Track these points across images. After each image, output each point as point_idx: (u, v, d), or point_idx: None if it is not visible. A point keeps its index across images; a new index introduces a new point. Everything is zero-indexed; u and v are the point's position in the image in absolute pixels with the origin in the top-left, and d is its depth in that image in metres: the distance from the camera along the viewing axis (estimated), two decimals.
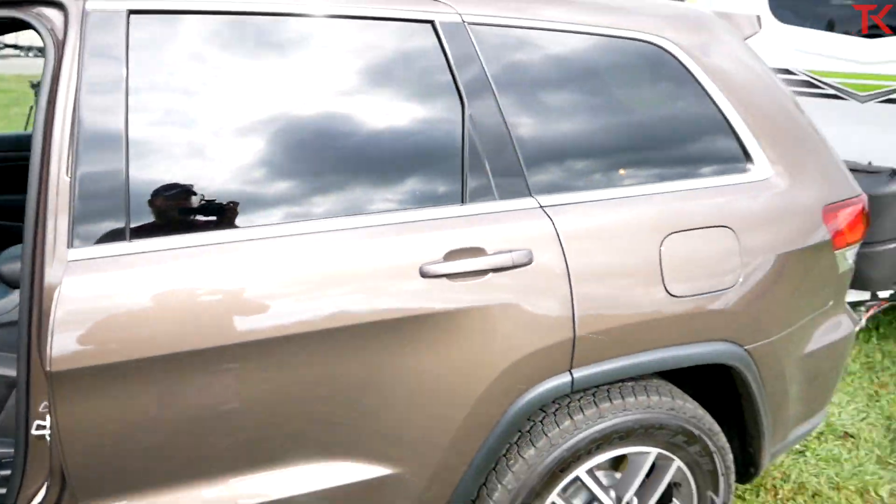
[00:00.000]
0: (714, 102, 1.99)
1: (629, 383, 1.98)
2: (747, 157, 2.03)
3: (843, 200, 2.15)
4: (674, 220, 1.88)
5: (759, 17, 2.25)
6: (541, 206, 1.78)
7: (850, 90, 3.53)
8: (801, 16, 3.68)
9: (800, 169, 2.07)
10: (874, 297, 3.55)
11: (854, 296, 3.53)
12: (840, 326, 2.31)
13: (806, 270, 2.10)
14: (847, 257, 2.23)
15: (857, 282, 3.41)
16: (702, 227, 1.90)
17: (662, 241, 1.84)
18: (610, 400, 1.92)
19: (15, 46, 25.11)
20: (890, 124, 3.46)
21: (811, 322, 2.18)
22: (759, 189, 2.01)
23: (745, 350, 2.00)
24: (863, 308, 3.67)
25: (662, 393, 2.00)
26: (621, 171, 1.93)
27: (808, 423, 2.39)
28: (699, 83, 1.98)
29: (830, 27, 3.57)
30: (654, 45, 1.95)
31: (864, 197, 2.26)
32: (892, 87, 3.37)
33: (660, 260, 1.84)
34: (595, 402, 1.91)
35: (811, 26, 3.63)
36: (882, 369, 3.75)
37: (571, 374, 1.80)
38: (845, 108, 3.58)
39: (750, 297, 1.97)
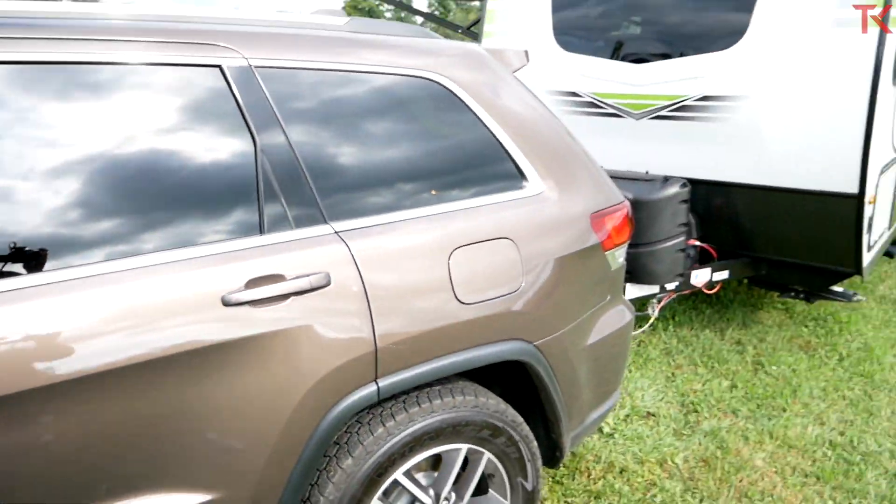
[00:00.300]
0: (488, 129, 2.24)
1: (436, 387, 2.15)
2: (522, 175, 2.29)
3: (608, 208, 2.48)
4: (459, 236, 2.09)
5: (526, 52, 2.55)
6: (336, 232, 1.92)
7: (627, 109, 4.00)
8: (581, 45, 4.14)
9: (568, 182, 2.37)
10: (662, 289, 4.02)
11: (646, 290, 3.99)
12: (620, 317, 2.64)
13: (582, 271, 2.39)
14: (617, 257, 2.56)
15: (646, 277, 3.87)
16: (485, 240, 2.13)
17: (450, 255, 2.05)
18: (418, 404, 2.09)
19: None
20: (661, 137, 3.97)
21: (592, 315, 2.48)
22: (533, 202, 2.28)
23: (535, 346, 2.25)
24: (655, 300, 4.15)
25: (467, 392, 2.19)
26: (433, 192, 2.13)
27: (603, 405, 2.69)
28: (474, 113, 2.22)
29: (606, 54, 4.04)
30: (431, 80, 2.17)
31: (627, 203, 2.60)
32: (660, 105, 3.87)
33: (449, 272, 2.04)
34: (405, 408, 2.07)
35: (590, 54, 4.09)
36: (678, 353, 4.24)
37: (377, 383, 1.95)
38: (624, 125, 4.05)
39: (534, 299, 2.22)
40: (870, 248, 3.92)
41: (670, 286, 4.02)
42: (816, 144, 3.55)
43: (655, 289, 3.99)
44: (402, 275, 1.98)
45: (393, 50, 2.15)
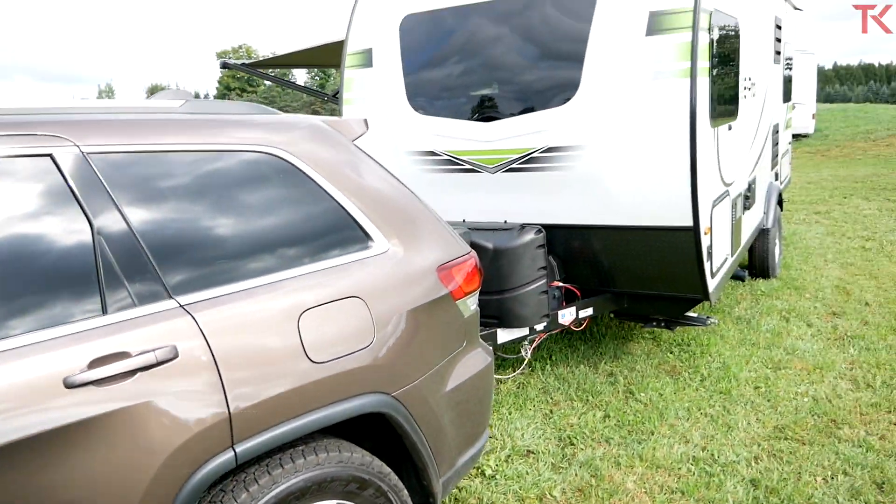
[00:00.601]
0: (330, 196, 2.37)
1: (299, 446, 2.21)
2: (367, 236, 2.43)
3: (454, 259, 2.65)
4: (307, 299, 2.19)
5: (365, 120, 2.72)
6: (181, 306, 1.98)
7: (482, 164, 4.26)
8: (433, 107, 4.40)
9: (413, 239, 2.53)
10: (532, 331, 4.23)
11: (517, 333, 4.19)
12: (478, 361, 2.79)
13: (434, 321, 2.54)
14: (469, 304, 2.72)
15: (514, 321, 4.07)
16: (334, 301, 2.24)
17: (299, 318, 2.14)
18: (281, 465, 2.13)
19: None
20: (515, 188, 4.24)
21: (449, 362, 2.62)
22: (380, 261, 2.42)
23: (393, 397, 2.35)
24: (527, 342, 4.36)
25: (330, 449, 2.26)
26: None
27: (472, 448, 2.81)
28: (315, 182, 2.35)
29: (457, 115, 4.30)
30: (270, 154, 2.29)
31: (474, 253, 2.79)
32: (511, 159, 4.15)
33: (299, 334, 2.13)
34: (268, 471, 2.11)
35: (442, 115, 4.35)
36: (555, 390, 4.44)
37: (234, 449, 1.99)
38: (481, 179, 4.30)
39: (387, 352, 2.33)
40: (713, 274, 4.29)
41: (539, 327, 4.24)
42: (651, 184, 3.90)
43: (525, 331, 4.20)
44: (252, 341, 2.06)
45: (228, 128, 2.27)
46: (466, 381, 2.69)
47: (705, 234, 4.04)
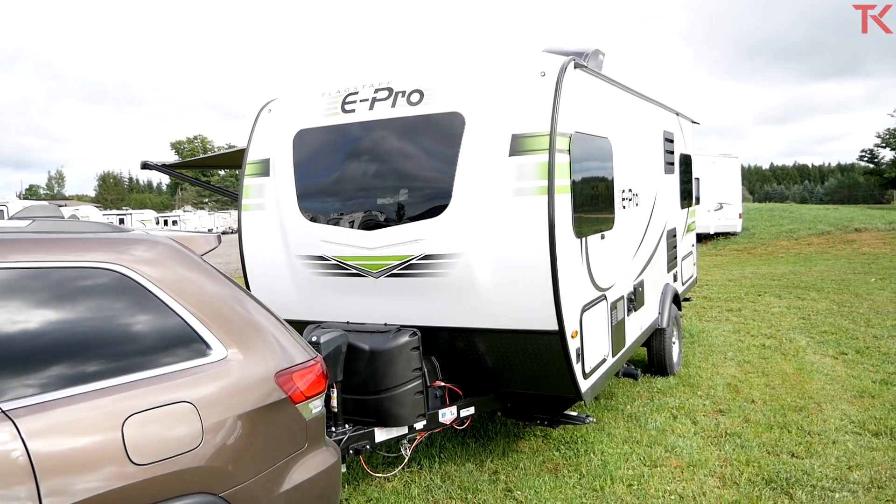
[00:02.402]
0: (170, 309, 2.57)
1: None
2: (205, 345, 2.62)
3: (295, 366, 2.84)
4: (134, 405, 2.34)
5: (219, 237, 2.96)
6: (3, 411, 2.12)
7: (366, 269, 4.51)
8: (322, 216, 4.68)
9: (251, 347, 2.72)
10: (412, 430, 4.37)
11: (395, 432, 4.33)
12: (320, 461, 2.93)
13: (269, 424, 2.70)
14: (311, 407, 2.89)
15: (390, 420, 4.22)
16: (163, 406, 2.40)
17: (124, 422, 2.29)
18: None
19: None
20: (398, 292, 4.48)
21: (287, 463, 2.76)
22: (216, 368, 2.59)
23: (221, 497, 2.48)
24: (406, 441, 4.49)
25: None
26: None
27: None
28: (155, 296, 2.55)
29: (342, 223, 4.59)
30: (110, 270, 2.49)
31: (319, 358, 2.98)
32: (393, 265, 4.41)
33: (123, 438, 2.27)
34: None
35: (330, 223, 4.63)
36: (437, 489, 4.54)
37: None
38: (367, 283, 4.54)
39: (216, 454, 2.48)
40: (586, 375, 4.53)
41: (419, 426, 4.39)
42: (518, 291, 4.18)
43: (405, 430, 4.34)
44: (73, 445, 2.19)
45: (70, 246, 2.47)
46: (306, 480, 2.83)
47: (573, 337, 4.30)
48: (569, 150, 4.25)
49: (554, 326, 4.18)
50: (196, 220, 48.18)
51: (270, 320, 2.89)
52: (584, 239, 4.54)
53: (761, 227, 23.94)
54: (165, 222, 48.09)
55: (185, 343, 2.59)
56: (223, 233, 45.75)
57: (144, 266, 2.58)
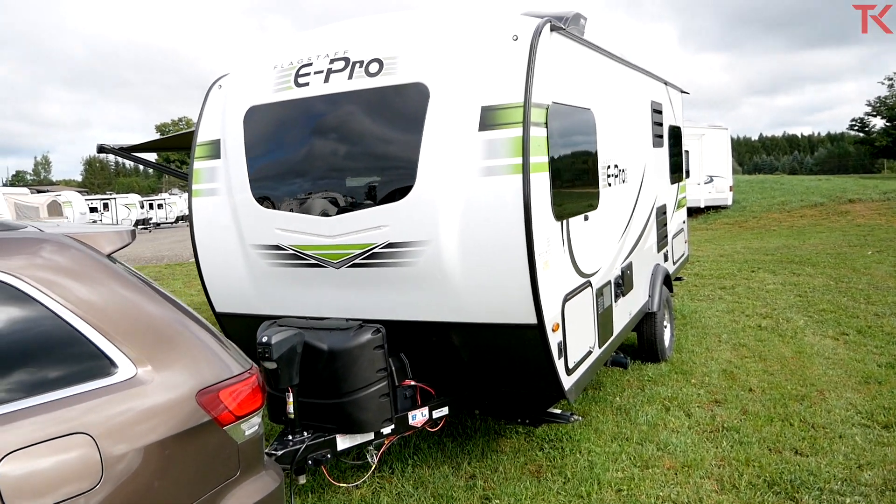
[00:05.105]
0: (63, 320, 2.14)
1: None
2: (110, 362, 2.19)
3: (223, 381, 2.42)
4: (13, 440, 1.93)
5: (132, 231, 2.52)
6: None
7: (327, 259, 4.08)
8: (276, 201, 4.23)
9: (166, 363, 2.30)
10: (378, 435, 3.98)
11: (359, 439, 3.93)
12: (260, 487, 2.53)
13: (188, 453, 2.28)
14: (245, 429, 2.48)
15: (353, 427, 3.83)
16: (49, 440, 1.99)
17: (0, 461, 1.88)
18: None
19: None
20: (361, 284, 4.06)
21: (213, 496, 2.35)
22: (122, 389, 2.17)
23: None
24: (372, 448, 4.10)
25: None
26: None
27: None
28: (45, 306, 2.12)
29: (298, 209, 4.15)
30: None
31: (254, 371, 2.56)
32: (355, 254, 3.99)
33: None
34: None
35: (285, 209, 4.18)
36: (409, 496, 4.15)
37: None
38: (327, 274, 4.12)
39: (121, 492, 2.07)
40: (570, 371, 4.14)
41: (386, 431, 3.99)
42: (493, 282, 3.77)
43: (370, 436, 3.95)
44: None
45: None
46: None
47: (554, 330, 3.90)
48: (546, 124, 3.81)
49: (532, 320, 3.77)
50: (182, 203, 47.38)
51: (193, 329, 2.46)
52: (565, 221, 4.12)
53: (752, 199, 23.60)
54: (151, 206, 47.42)
55: (85, 362, 2.17)
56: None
57: (32, 271, 2.15)
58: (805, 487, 3.98)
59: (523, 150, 3.61)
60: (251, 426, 2.54)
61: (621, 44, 5.67)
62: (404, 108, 3.86)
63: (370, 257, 3.98)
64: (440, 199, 3.75)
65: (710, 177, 21.67)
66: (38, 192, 35.97)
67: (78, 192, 43.89)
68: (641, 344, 6.59)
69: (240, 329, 4.64)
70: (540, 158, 3.76)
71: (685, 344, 7.27)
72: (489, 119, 3.70)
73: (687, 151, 9.03)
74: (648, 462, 4.48)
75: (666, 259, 7.27)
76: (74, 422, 2.05)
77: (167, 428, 2.23)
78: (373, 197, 3.97)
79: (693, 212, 21.16)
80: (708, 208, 22.33)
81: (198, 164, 4.58)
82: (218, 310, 4.78)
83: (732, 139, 25.03)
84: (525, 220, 3.61)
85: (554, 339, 3.91)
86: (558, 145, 3.98)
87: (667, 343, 6.79)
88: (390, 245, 3.90)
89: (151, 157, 6.90)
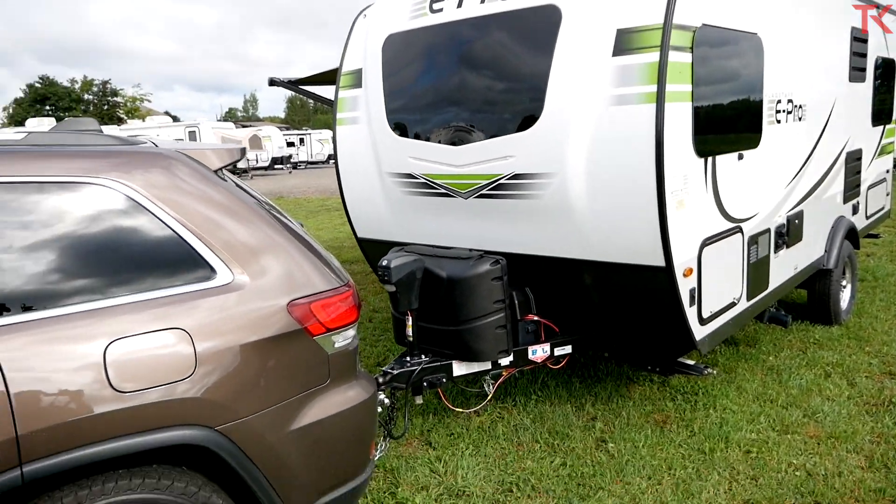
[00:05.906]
0: (169, 227, 2.34)
1: (120, 470, 2.20)
2: (210, 268, 2.38)
3: (314, 294, 2.53)
4: (119, 329, 2.17)
5: (243, 149, 2.68)
6: None
7: (455, 189, 4.08)
8: (410, 130, 4.27)
9: (262, 272, 2.44)
10: (496, 365, 3.99)
11: (475, 367, 3.97)
12: (347, 397, 2.65)
13: (277, 357, 2.43)
14: (335, 340, 2.59)
15: (468, 355, 3.88)
16: (150, 332, 2.21)
17: (107, 347, 2.13)
18: (90, 487, 2.14)
19: None
20: (487, 215, 4.02)
21: (303, 399, 2.50)
22: (217, 294, 2.35)
23: (217, 431, 2.29)
24: (489, 378, 4.12)
25: (148, 475, 2.24)
26: None
27: (341, 488, 2.67)
28: (153, 214, 2.33)
29: (431, 138, 4.15)
30: (104, 185, 2.29)
31: (346, 289, 2.65)
32: (481, 185, 3.95)
33: (104, 363, 2.11)
34: (75, 491, 2.12)
35: (418, 138, 4.21)
36: (524, 430, 4.16)
37: (21, 468, 2.01)
38: (455, 204, 4.13)
39: (211, 386, 2.27)
40: (704, 321, 3.86)
41: (504, 362, 4.00)
42: (621, 218, 3.57)
43: (487, 365, 3.97)
44: (52, 366, 2.06)
45: (61, 159, 2.29)
46: (326, 418, 2.57)
47: (686, 275, 3.65)
48: (691, 48, 3.48)
49: (660, 262, 3.55)
50: None
51: (291, 244, 2.58)
52: (710, 158, 3.79)
53: None
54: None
55: (187, 266, 2.37)
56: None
57: (144, 182, 2.36)
58: None
59: (658, 76, 3.33)
60: (344, 339, 2.65)
61: None
62: (535, 32, 3.70)
63: (496, 188, 3.93)
64: (568, 130, 3.59)
65: None
66: (243, 126, 39.56)
67: (278, 127, 47.52)
68: (812, 303, 5.96)
69: (378, 254, 4.82)
70: (681, 87, 3.45)
71: (868, 308, 6.48)
72: (625, 43, 3.44)
73: None
74: (790, 427, 4.10)
75: (855, 212, 6.45)
76: (174, 318, 2.26)
77: (257, 332, 2.39)
78: (500, 126, 3.89)
79: None
80: None
81: (342, 94, 4.74)
82: (359, 235, 5.01)
83: None
84: (656, 153, 3.37)
85: (685, 285, 3.66)
86: (708, 73, 3.63)
87: (844, 305, 6.09)
88: (516, 176, 3.82)
89: (322, 91, 7.24)
